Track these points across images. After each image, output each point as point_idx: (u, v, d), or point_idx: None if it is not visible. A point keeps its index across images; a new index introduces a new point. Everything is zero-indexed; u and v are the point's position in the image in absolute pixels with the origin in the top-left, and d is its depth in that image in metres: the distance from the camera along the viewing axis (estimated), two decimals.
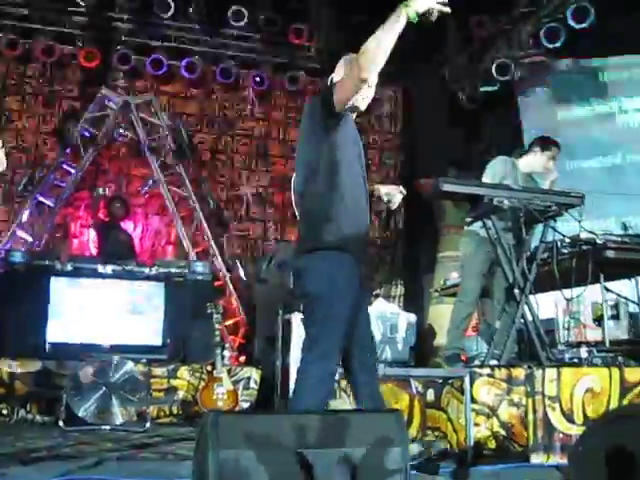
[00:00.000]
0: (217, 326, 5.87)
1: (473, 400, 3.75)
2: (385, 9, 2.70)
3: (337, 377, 4.70)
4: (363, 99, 2.99)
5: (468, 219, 4.89)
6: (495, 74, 8.49)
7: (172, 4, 8.54)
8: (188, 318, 6.62)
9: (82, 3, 8.59)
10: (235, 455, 1.97)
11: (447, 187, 4.04)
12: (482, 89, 8.80)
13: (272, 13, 9.06)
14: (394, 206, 3.23)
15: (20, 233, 8.31)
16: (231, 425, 2.04)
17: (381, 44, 2.65)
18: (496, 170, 5.13)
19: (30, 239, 8.30)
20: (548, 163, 5.28)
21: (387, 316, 5.09)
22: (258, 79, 9.57)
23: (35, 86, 9.15)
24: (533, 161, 5.30)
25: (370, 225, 3.09)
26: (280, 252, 7.05)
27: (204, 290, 6.93)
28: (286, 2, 9.10)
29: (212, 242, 8.92)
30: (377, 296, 6.51)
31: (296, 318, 6.03)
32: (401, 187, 3.25)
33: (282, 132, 10.01)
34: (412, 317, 5.90)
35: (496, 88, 8.69)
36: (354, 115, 3.10)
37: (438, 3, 2.67)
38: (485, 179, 5.02)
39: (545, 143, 5.33)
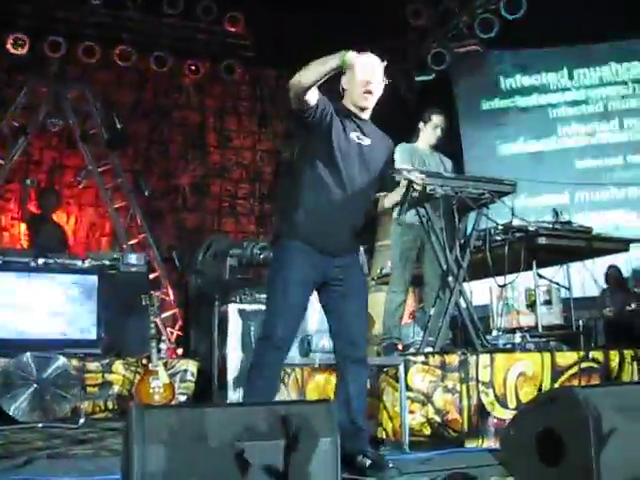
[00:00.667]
0: (153, 319, 5.78)
1: (408, 387, 3.76)
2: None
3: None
4: (366, 98, 3.12)
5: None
6: (430, 63, 8.56)
7: None
8: (123, 311, 6.45)
9: None
10: (161, 450, 1.92)
11: None
12: (418, 78, 8.86)
13: (208, 1, 8.94)
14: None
15: None
16: (157, 419, 1.99)
17: (314, 71, 2.79)
18: (399, 159, 5.15)
19: None
20: (435, 132, 5.35)
21: None
22: (193, 67, 9.44)
23: None
24: (426, 136, 5.36)
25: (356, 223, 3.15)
26: (216, 243, 6.97)
27: (139, 282, 6.77)
28: None
29: (148, 233, 8.78)
30: None
31: (233, 309, 5.99)
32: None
33: (218, 121, 9.91)
34: None
35: (431, 77, 8.75)
36: (366, 113, 3.19)
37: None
38: None
39: (426, 115, 5.39)
